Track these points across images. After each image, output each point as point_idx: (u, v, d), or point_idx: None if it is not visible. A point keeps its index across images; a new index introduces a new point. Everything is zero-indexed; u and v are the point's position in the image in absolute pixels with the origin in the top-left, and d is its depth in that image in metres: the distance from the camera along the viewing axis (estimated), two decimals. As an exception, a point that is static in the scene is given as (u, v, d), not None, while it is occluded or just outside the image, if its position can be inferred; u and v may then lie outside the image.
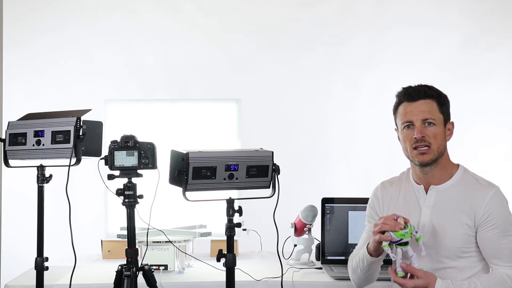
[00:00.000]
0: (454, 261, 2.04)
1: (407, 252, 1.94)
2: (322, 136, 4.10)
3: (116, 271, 2.29)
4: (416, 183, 2.15)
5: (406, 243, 1.92)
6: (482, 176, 2.15)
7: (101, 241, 3.19)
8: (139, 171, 2.26)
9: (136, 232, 2.30)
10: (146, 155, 2.25)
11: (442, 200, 2.07)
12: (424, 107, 2.07)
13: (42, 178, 2.43)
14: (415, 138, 2.03)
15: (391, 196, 2.21)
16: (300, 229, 2.89)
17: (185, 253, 2.83)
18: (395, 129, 2.18)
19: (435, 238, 2.04)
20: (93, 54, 4.05)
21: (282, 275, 2.35)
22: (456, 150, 3.96)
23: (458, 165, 2.15)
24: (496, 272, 2.01)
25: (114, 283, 2.28)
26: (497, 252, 2.01)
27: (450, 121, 2.12)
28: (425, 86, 2.14)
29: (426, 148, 2.05)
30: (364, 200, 2.88)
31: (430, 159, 2.06)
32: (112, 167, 2.23)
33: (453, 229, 2.03)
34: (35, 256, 2.43)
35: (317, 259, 2.93)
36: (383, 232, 1.93)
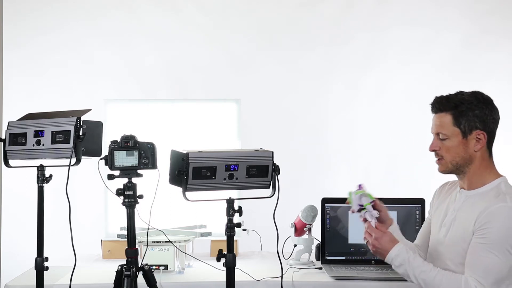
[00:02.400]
0: (457, 267, 2.01)
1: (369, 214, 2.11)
2: (322, 136, 4.10)
3: (116, 271, 2.29)
4: (460, 186, 2.14)
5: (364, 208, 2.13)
6: None
7: (101, 241, 3.19)
8: (139, 171, 2.26)
9: (136, 232, 2.30)
10: (146, 155, 2.25)
11: (466, 206, 2.05)
12: (437, 121, 2.10)
13: (42, 178, 2.43)
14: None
15: (444, 195, 2.22)
16: (300, 229, 2.89)
17: (185, 253, 2.83)
18: None
19: (447, 239, 2.06)
20: (93, 54, 4.05)
21: (282, 275, 2.35)
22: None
23: (498, 176, 2.07)
24: (459, 275, 1.96)
25: (114, 283, 2.28)
26: (473, 261, 1.93)
27: (477, 130, 2.02)
28: (445, 97, 2.11)
29: (438, 160, 2.10)
30: (364, 200, 2.89)
31: (443, 170, 2.09)
32: (112, 167, 2.23)
33: (463, 235, 2.00)
34: (35, 256, 2.43)
35: (317, 259, 2.93)
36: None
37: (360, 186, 2.18)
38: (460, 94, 2.10)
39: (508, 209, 1.92)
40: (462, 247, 1.99)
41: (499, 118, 2.08)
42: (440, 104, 2.09)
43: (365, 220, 2.13)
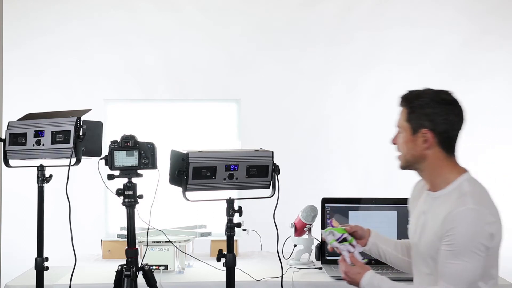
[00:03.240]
0: (432, 273, 1.98)
1: (348, 250, 2.07)
2: (322, 136, 4.10)
3: (116, 271, 2.29)
4: (427, 187, 2.09)
5: (344, 240, 2.08)
6: (482, 191, 2.00)
7: (101, 241, 3.19)
8: (139, 171, 2.26)
9: (136, 232, 2.30)
10: (146, 155, 2.25)
11: (433, 209, 2.00)
12: (398, 114, 2.06)
13: (42, 178, 2.43)
14: None
15: (418, 193, 2.16)
16: (300, 229, 2.89)
17: (185, 253, 2.83)
18: None
19: (421, 244, 2.02)
20: (93, 54, 4.05)
21: (282, 275, 2.35)
22: (455, 149, 4.02)
23: (461, 173, 1.98)
24: (429, 287, 1.95)
25: (114, 283, 2.28)
26: (443, 269, 1.89)
27: (424, 129, 1.95)
28: (408, 92, 2.08)
29: (398, 154, 2.05)
30: (364, 200, 2.90)
31: (400, 165, 2.05)
32: (112, 167, 2.23)
33: (433, 241, 1.95)
34: (35, 256, 2.43)
35: (317, 259, 2.93)
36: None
37: (330, 221, 2.14)
38: (423, 91, 2.08)
39: (469, 212, 1.86)
40: (434, 253, 1.95)
41: (458, 120, 1.98)
42: (401, 98, 2.06)
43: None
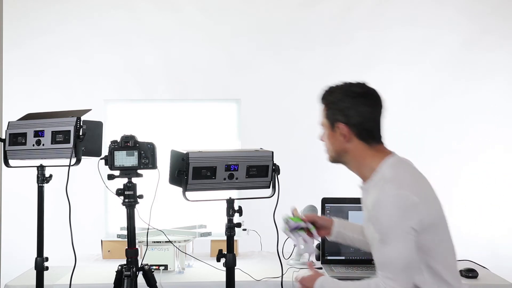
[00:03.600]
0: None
1: (304, 238, 2.16)
2: (322, 136, 4.10)
3: (116, 271, 2.29)
4: None
5: (301, 229, 2.17)
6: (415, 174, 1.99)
7: (101, 241, 3.19)
8: (139, 171, 2.26)
9: (136, 232, 2.30)
10: (146, 155, 2.25)
11: (364, 199, 2.02)
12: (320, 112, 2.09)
13: (42, 178, 2.43)
14: None
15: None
16: (300, 229, 2.89)
17: (185, 253, 2.83)
18: None
19: (367, 237, 2.03)
20: (93, 54, 4.05)
21: (282, 275, 2.36)
22: (455, 149, 4.02)
23: (383, 158, 1.97)
24: (366, 280, 1.94)
25: (114, 283, 2.28)
26: (377, 259, 1.89)
27: (339, 123, 1.97)
28: (325, 88, 2.08)
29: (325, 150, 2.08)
30: (364, 200, 2.89)
31: (328, 159, 2.08)
32: (112, 167, 2.23)
33: (367, 230, 1.98)
34: (35, 256, 2.43)
35: (317, 259, 2.92)
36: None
37: (292, 211, 2.20)
38: (336, 86, 2.06)
39: (389, 198, 1.84)
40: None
41: (372, 111, 1.98)
42: (320, 95, 2.07)
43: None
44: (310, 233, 2.18)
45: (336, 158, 2.04)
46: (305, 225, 2.16)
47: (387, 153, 1.99)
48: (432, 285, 1.89)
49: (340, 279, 2.59)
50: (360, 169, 2.01)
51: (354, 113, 1.96)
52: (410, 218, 1.82)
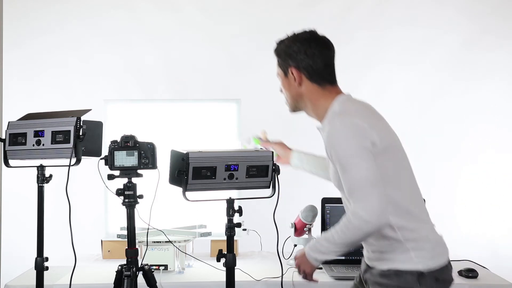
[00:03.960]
0: (344, 196, 2.03)
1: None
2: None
3: (116, 271, 2.29)
4: None
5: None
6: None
7: (101, 241, 3.19)
8: (139, 171, 2.26)
9: (136, 232, 2.30)
10: (146, 155, 2.25)
11: (323, 139, 2.06)
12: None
13: (42, 178, 2.43)
14: None
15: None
16: (300, 229, 2.89)
17: (185, 253, 2.83)
18: None
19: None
20: (93, 54, 4.05)
21: (282, 275, 2.36)
22: (455, 149, 4.02)
23: (335, 97, 2.06)
24: (344, 216, 1.94)
25: (114, 283, 2.28)
26: (346, 189, 1.91)
27: (290, 67, 2.08)
28: (278, 40, 2.19)
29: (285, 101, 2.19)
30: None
31: (289, 110, 2.20)
32: (112, 167, 2.23)
33: (330, 166, 2.03)
34: (35, 256, 2.43)
35: (317, 259, 2.92)
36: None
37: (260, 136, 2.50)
38: (286, 36, 2.18)
39: (338, 127, 1.92)
40: (336, 179, 2.00)
41: (319, 52, 2.08)
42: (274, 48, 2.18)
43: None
44: None
45: (294, 105, 2.14)
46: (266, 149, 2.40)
47: (339, 93, 2.08)
48: (397, 217, 1.92)
49: (339, 279, 2.60)
50: (316, 111, 2.09)
51: (303, 56, 2.06)
52: (363, 140, 1.88)
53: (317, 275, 2.70)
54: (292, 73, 2.07)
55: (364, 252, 2.10)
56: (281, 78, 2.15)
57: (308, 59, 2.06)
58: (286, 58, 2.10)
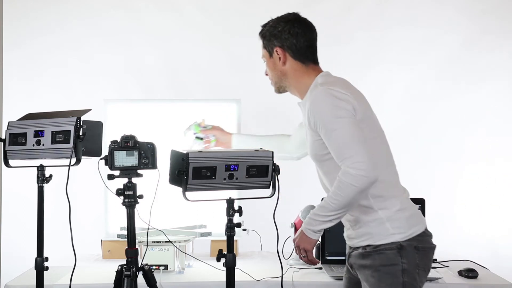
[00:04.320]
0: (320, 167, 2.15)
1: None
2: (322, 136, 4.10)
3: (116, 271, 2.29)
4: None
5: (200, 138, 2.61)
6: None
7: (101, 241, 3.19)
8: (139, 171, 2.26)
9: (136, 232, 2.30)
10: (146, 155, 2.25)
11: (304, 113, 2.15)
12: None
13: (42, 178, 2.43)
14: None
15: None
16: (300, 229, 2.89)
17: (185, 253, 2.83)
18: None
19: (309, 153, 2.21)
20: (93, 54, 4.05)
21: (282, 275, 2.35)
22: (455, 149, 4.02)
23: (317, 74, 2.20)
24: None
25: (114, 283, 2.28)
26: (334, 152, 2.00)
27: (276, 47, 2.22)
28: (262, 24, 2.33)
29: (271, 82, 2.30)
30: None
31: (275, 90, 2.31)
32: (112, 167, 2.23)
33: (309, 138, 2.14)
34: (35, 256, 2.43)
35: (317, 259, 2.92)
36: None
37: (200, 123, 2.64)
38: (270, 20, 2.33)
39: (320, 94, 2.04)
40: (318, 149, 2.10)
41: (302, 31, 2.23)
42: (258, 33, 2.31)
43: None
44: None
45: (279, 84, 2.26)
46: (204, 136, 2.58)
47: (321, 71, 2.22)
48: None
49: (339, 279, 2.60)
50: (299, 88, 2.21)
51: (287, 35, 2.20)
52: (345, 104, 2.01)
53: (317, 275, 2.72)
54: (277, 52, 2.21)
55: (344, 231, 2.21)
56: (266, 59, 2.28)
57: (292, 38, 2.20)
58: (271, 39, 2.24)
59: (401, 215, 2.03)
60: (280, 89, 2.28)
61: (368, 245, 2.05)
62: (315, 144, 2.10)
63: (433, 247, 2.10)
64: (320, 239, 2.88)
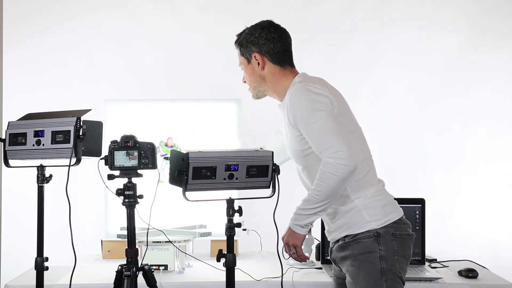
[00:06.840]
0: (301, 163, 2.21)
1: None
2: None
3: (116, 271, 2.29)
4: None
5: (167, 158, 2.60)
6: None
7: (101, 241, 3.19)
8: (139, 171, 2.26)
9: (136, 232, 2.30)
10: (146, 155, 2.25)
11: (284, 114, 2.22)
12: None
13: (42, 178, 2.43)
14: None
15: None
16: (300, 229, 2.89)
17: (185, 253, 2.83)
18: None
19: (289, 153, 2.28)
20: (93, 54, 4.05)
21: (282, 275, 2.35)
22: (455, 150, 4.02)
23: (295, 76, 2.25)
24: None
25: (114, 283, 2.28)
26: (314, 145, 2.07)
27: (254, 53, 2.28)
28: (237, 34, 2.38)
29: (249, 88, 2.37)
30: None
31: (253, 97, 2.37)
32: (112, 167, 2.23)
33: (289, 135, 2.20)
34: (35, 256, 2.43)
35: (317, 259, 2.93)
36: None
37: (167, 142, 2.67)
38: (244, 28, 2.37)
39: (298, 91, 2.11)
40: (296, 144, 2.16)
41: (278, 36, 2.28)
42: (234, 42, 2.39)
43: None
44: None
45: (258, 89, 2.32)
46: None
47: (298, 73, 2.28)
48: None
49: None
50: (278, 91, 2.28)
51: (264, 41, 2.27)
52: (323, 99, 2.08)
53: (317, 275, 2.72)
54: (255, 58, 2.28)
55: (325, 226, 2.27)
56: (244, 66, 2.34)
57: (269, 43, 2.26)
58: (249, 45, 2.30)
59: (377, 203, 2.11)
60: (259, 94, 2.34)
61: (347, 235, 2.12)
62: (295, 140, 2.16)
63: (411, 234, 2.15)
64: (320, 239, 2.88)
